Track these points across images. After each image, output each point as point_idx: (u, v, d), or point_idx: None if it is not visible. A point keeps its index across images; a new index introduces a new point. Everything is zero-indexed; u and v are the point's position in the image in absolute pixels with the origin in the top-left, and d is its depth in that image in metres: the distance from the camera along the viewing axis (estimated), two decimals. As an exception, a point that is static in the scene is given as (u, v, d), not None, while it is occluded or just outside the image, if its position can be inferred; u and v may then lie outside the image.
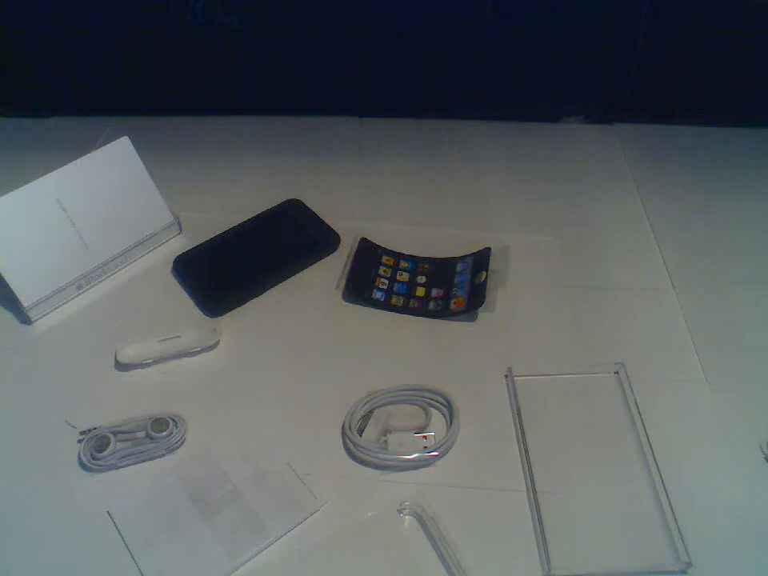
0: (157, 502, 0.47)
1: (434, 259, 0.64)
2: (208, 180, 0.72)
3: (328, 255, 0.64)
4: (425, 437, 0.50)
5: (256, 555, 0.45)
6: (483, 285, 0.59)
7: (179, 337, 0.56)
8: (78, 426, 0.51)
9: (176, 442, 0.50)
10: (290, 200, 0.69)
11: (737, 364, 0.55)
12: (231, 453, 0.50)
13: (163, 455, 0.50)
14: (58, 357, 0.57)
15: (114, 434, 0.50)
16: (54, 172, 0.58)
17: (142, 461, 0.49)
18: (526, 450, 0.49)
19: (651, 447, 0.49)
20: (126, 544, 0.45)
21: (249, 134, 0.79)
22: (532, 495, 0.47)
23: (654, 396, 0.52)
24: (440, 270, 0.63)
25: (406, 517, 0.47)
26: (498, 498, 0.47)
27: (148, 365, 0.55)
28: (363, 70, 0.76)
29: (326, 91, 0.78)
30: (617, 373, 0.54)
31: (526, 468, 0.49)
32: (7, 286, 0.57)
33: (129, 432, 0.50)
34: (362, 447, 0.49)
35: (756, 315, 0.59)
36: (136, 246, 0.63)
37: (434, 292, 0.61)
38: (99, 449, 0.49)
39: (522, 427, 0.51)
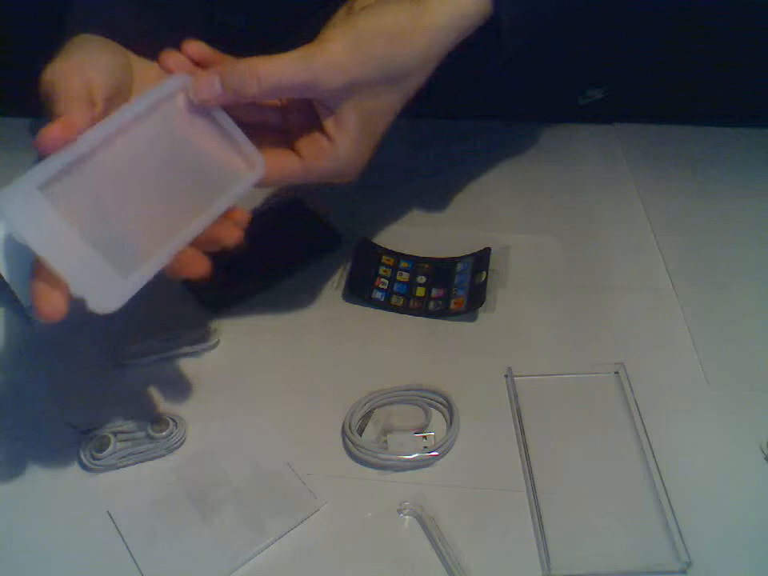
0: (157, 502, 0.47)
1: (434, 259, 0.64)
2: (208, 180, 0.72)
3: (328, 255, 0.64)
4: (425, 437, 0.50)
5: (256, 555, 0.45)
6: (483, 285, 0.59)
7: (179, 336, 0.56)
8: (78, 426, 0.51)
9: (176, 442, 0.50)
10: (290, 200, 0.69)
11: (737, 364, 0.55)
12: (231, 453, 0.50)
13: (163, 455, 0.50)
14: (58, 356, 0.57)
15: (114, 434, 0.50)
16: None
17: (142, 461, 0.49)
18: (526, 450, 0.49)
19: (651, 447, 0.49)
20: (126, 544, 0.45)
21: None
22: (532, 495, 0.47)
23: (654, 396, 0.52)
24: (440, 270, 0.63)
25: (406, 517, 0.47)
26: (498, 498, 0.48)
27: (148, 364, 0.55)
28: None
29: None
30: (617, 373, 0.54)
31: (526, 468, 0.49)
32: (7, 285, 0.56)
33: (129, 432, 0.50)
34: (362, 447, 0.49)
35: (756, 315, 0.59)
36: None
37: (434, 292, 0.61)
38: (99, 449, 0.49)
39: (521, 427, 0.51)
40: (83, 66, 0.43)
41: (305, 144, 0.47)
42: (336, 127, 0.45)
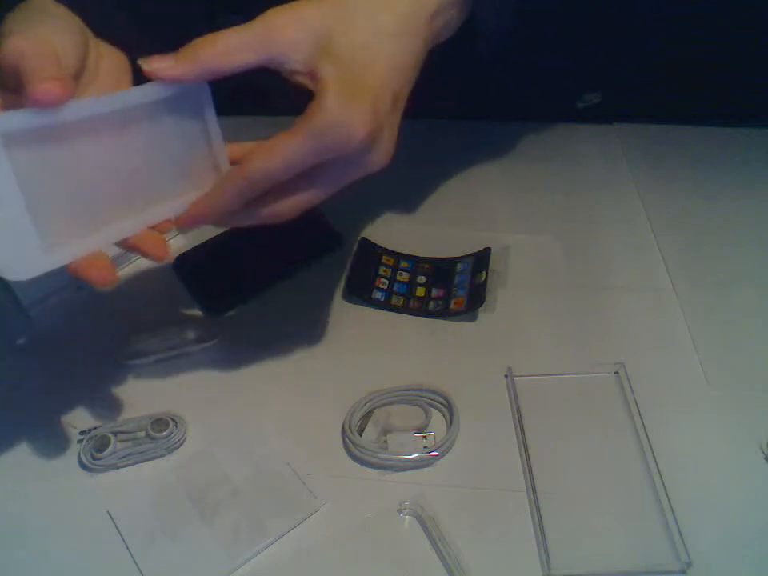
0: (157, 502, 0.47)
1: (434, 259, 0.64)
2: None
3: (328, 255, 0.64)
4: (425, 437, 0.50)
5: (256, 555, 0.45)
6: (483, 285, 0.59)
7: (179, 336, 0.56)
8: (78, 426, 0.51)
9: (176, 442, 0.50)
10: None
11: (737, 364, 0.55)
12: (231, 453, 0.50)
13: (163, 455, 0.50)
14: (58, 357, 0.57)
15: (114, 434, 0.50)
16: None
17: (142, 461, 0.49)
18: (526, 450, 0.49)
19: (651, 447, 0.49)
20: (126, 544, 0.45)
21: (249, 133, 0.79)
22: (532, 495, 0.47)
23: (654, 396, 0.52)
24: (440, 270, 0.63)
25: (406, 517, 0.47)
26: (498, 498, 0.48)
27: (148, 364, 0.55)
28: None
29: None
30: (617, 373, 0.54)
31: (526, 468, 0.49)
32: (7, 285, 0.56)
33: (129, 432, 0.50)
34: (362, 447, 0.49)
35: (756, 315, 0.59)
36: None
37: (434, 292, 0.61)
38: (99, 449, 0.49)
39: (521, 427, 0.51)
40: (53, 41, 0.40)
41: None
42: (312, 78, 0.43)
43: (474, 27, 0.51)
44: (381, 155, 0.45)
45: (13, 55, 0.38)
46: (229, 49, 0.42)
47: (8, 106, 0.40)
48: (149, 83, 0.41)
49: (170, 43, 0.45)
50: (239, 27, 0.42)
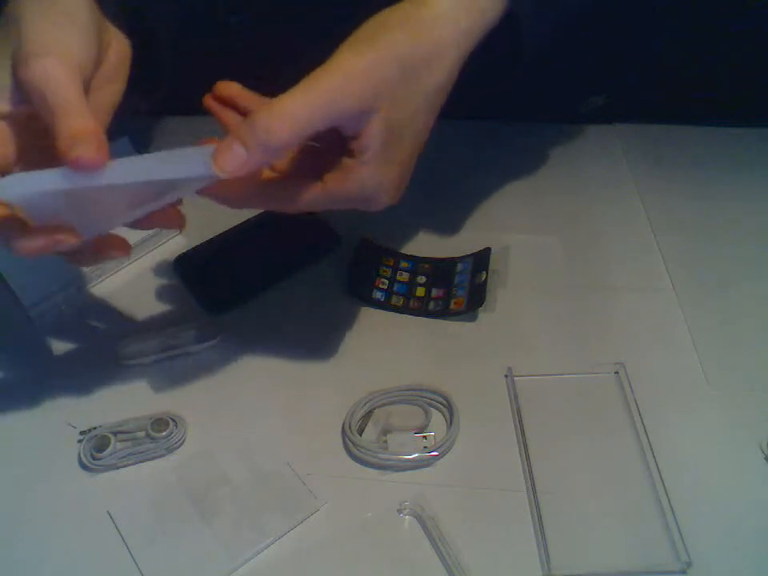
0: (157, 502, 0.47)
1: (434, 259, 0.64)
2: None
3: (328, 255, 0.64)
4: (425, 437, 0.50)
5: (256, 555, 0.45)
6: (483, 285, 0.59)
7: (180, 337, 0.56)
8: (78, 426, 0.51)
9: (176, 442, 0.50)
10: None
11: (737, 364, 0.55)
12: (231, 453, 0.50)
13: (163, 455, 0.50)
14: (58, 356, 0.57)
15: (114, 434, 0.50)
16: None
17: (142, 461, 0.49)
18: (526, 450, 0.49)
19: (651, 447, 0.49)
20: (126, 544, 0.45)
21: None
22: (532, 495, 0.47)
23: (654, 396, 0.53)
24: (440, 270, 0.63)
25: (406, 517, 0.47)
26: (498, 498, 0.48)
27: (148, 364, 0.55)
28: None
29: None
30: (617, 373, 0.54)
31: (526, 468, 0.49)
32: (7, 285, 0.57)
33: (129, 432, 0.50)
34: (362, 447, 0.49)
35: (756, 315, 0.59)
36: (136, 246, 0.63)
37: (434, 292, 0.61)
38: (99, 449, 0.49)
39: (521, 427, 0.51)
40: (72, 48, 0.40)
41: (329, 169, 0.43)
42: (358, 143, 0.42)
43: (519, 45, 0.50)
44: (392, 201, 0.46)
45: (40, 81, 0.38)
46: (302, 123, 0.39)
47: (32, 130, 0.40)
48: (187, 160, 0.40)
49: (170, 41, 0.45)
50: (302, 91, 0.39)
